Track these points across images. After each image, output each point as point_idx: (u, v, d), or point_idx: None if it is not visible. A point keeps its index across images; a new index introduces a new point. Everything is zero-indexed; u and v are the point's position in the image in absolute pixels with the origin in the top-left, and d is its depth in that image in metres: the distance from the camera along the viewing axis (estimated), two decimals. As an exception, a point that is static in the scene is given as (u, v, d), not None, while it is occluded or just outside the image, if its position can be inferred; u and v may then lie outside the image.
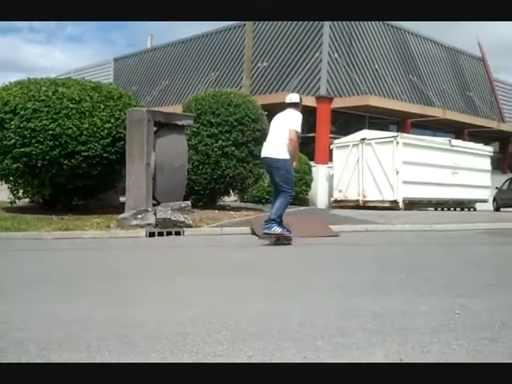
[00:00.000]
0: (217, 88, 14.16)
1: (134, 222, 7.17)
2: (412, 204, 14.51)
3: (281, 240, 6.10)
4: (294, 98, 6.33)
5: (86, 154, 8.09)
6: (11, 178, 8.60)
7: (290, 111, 6.20)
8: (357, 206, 14.49)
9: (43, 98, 8.15)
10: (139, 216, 7.27)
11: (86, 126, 8.12)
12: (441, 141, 16.17)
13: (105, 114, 8.38)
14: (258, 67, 19.11)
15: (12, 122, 8.01)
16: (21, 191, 8.98)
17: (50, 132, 7.94)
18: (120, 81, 27.23)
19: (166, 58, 25.13)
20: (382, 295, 3.41)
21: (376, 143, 14.66)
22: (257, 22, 19.03)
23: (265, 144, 6.34)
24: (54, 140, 7.96)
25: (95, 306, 3.10)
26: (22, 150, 7.96)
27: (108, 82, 23.04)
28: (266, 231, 6.05)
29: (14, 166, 8.12)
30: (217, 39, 22.21)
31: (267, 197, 12.95)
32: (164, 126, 8.52)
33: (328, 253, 5.64)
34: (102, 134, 8.26)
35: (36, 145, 7.96)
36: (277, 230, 6.02)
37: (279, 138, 6.11)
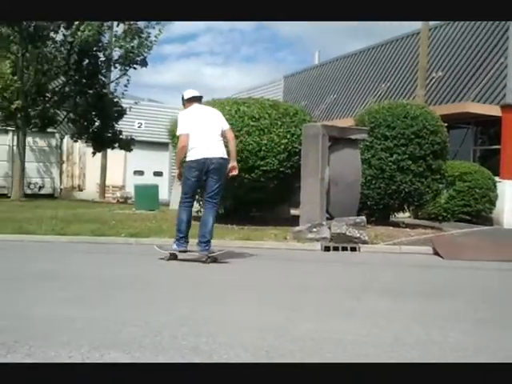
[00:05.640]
0: (387, 100, 13.76)
1: (310, 236, 7.26)
2: None
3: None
4: (195, 92, 5.77)
5: (264, 168, 8.49)
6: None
7: (207, 108, 5.93)
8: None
9: (227, 116, 8.70)
10: (314, 230, 7.34)
11: (265, 142, 8.53)
12: None
13: (281, 130, 8.70)
14: (433, 76, 18.09)
15: (200, 140, 8.78)
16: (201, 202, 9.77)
17: (232, 148, 8.51)
18: (289, 97, 28.20)
19: (333, 72, 25.33)
20: None
21: None
22: (432, 29, 18.07)
23: (200, 144, 5.35)
24: (237, 155, 8.49)
25: (290, 318, 3.15)
26: (208, 164, 8.67)
27: (278, 98, 24.06)
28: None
29: (201, 179, 8.88)
30: (386, 50, 21.66)
31: (444, 214, 12.13)
32: (338, 140, 8.52)
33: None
34: (279, 150, 8.59)
35: (220, 160, 8.59)
36: (173, 246, 5.48)
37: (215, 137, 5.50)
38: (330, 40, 74.91)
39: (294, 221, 8.48)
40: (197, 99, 5.71)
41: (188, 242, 5.50)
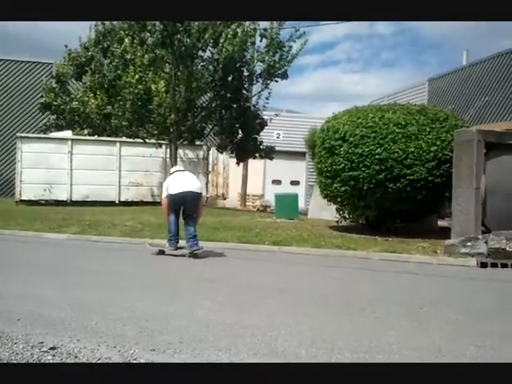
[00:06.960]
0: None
1: (463, 250, 6.69)
2: None
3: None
4: (179, 167, 7.66)
5: (411, 177, 8.06)
6: (339, 200, 9.27)
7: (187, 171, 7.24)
8: None
9: (370, 124, 8.50)
10: (468, 244, 6.75)
11: (412, 149, 8.10)
12: None
13: (430, 136, 8.20)
14: None
15: (341, 149, 8.64)
16: (346, 212, 9.59)
17: (376, 156, 8.22)
18: (435, 101, 26.64)
19: (484, 73, 23.32)
20: None
21: None
22: None
23: (181, 183, 6.63)
24: (380, 164, 8.20)
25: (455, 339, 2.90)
26: (350, 173, 8.49)
27: (422, 103, 22.84)
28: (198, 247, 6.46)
29: (343, 188, 8.73)
30: (549, 45, 19.35)
31: None
32: (495, 146, 7.76)
33: None
34: (428, 157, 8.09)
35: (363, 169, 8.35)
36: (166, 245, 6.77)
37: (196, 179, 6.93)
38: (479, 39, 69.33)
39: (443, 233, 7.92)
40: (179, 171, 7.17)
41: (178, 242, 6.69)
